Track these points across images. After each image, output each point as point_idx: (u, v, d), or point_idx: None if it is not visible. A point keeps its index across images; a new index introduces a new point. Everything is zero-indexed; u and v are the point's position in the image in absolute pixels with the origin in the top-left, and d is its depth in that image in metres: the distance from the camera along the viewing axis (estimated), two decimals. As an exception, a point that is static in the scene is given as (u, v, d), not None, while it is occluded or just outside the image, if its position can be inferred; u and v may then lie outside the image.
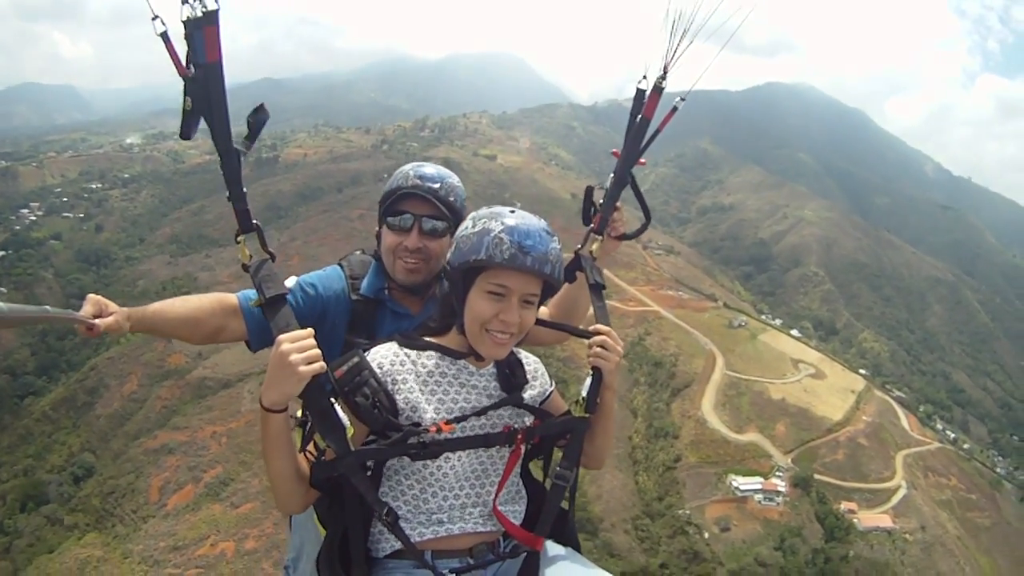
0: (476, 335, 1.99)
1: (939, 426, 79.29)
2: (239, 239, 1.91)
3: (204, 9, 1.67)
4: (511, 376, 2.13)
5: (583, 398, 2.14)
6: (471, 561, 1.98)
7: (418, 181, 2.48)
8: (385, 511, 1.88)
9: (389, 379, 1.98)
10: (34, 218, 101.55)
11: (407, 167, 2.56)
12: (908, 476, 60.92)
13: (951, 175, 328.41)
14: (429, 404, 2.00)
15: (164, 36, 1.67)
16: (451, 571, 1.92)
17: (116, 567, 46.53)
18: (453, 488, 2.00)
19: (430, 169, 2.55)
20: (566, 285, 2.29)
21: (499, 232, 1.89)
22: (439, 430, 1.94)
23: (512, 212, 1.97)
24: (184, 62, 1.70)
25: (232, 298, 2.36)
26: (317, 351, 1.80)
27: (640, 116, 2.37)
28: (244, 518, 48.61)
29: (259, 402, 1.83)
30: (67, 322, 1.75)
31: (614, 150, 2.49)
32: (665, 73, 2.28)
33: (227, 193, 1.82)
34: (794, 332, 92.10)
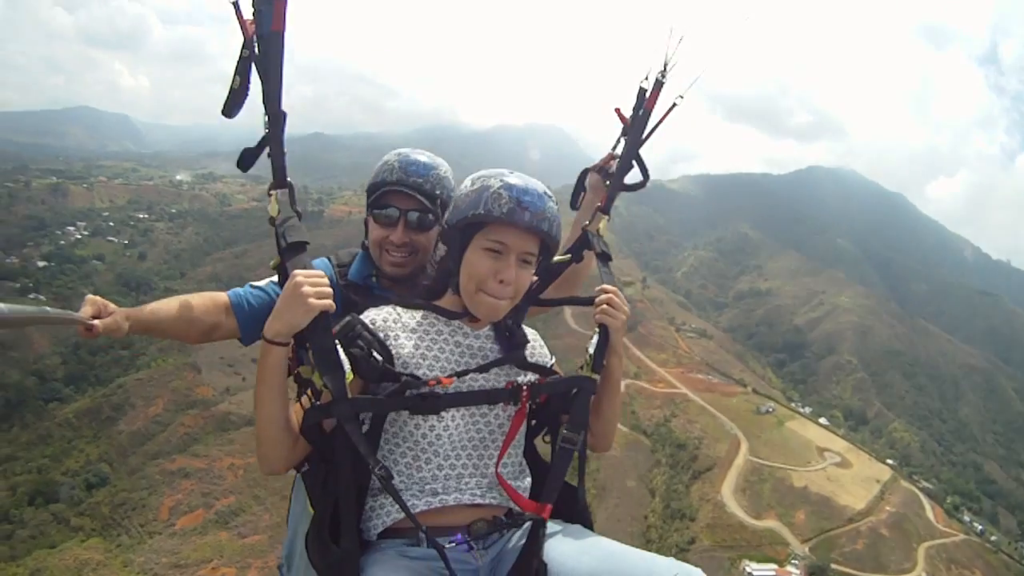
0: (472, 295, 1.95)
1: (966, 518, 78.35)
2: (271, 193, 1.91)
3: None
4: (510, 337, 2.08)
5: (590, 356, 2.09)
6: (469, 537, 1.84)
7: (403, 175, 2.44)
8: (379, 467, 1.74)
9: (382, 334, 1.95)
10: (79, 236, 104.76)
11: (392, 156, 2.51)
12: (929, 568, 60.84)
13: (990, 259, 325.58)
14: (424, 360, 1.95)
15: (235, 4, 1.78)
16: (451, 543, 1.78)
17: (115, 573, 48.33)
18: (448, 456, 1.90)
19: (420, 157, 2.50)
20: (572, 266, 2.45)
21: (498, 188, 1.88)
22: (439, 383, 1.88)
23: (511, 172, 1.94)
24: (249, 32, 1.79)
25: (223, 296, 2.40)
26: (329, 289, 1.81)
27: (641, 110, 2.45)
28: (250, 548, 50.88)
29: (262, 335, 1.83)
30: (67, 322, 1.75)
31: (616, 107, 2.55)
32: (665, 68, 2.37)
33: (268, 150, 1.87)
34: (822, 420, 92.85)
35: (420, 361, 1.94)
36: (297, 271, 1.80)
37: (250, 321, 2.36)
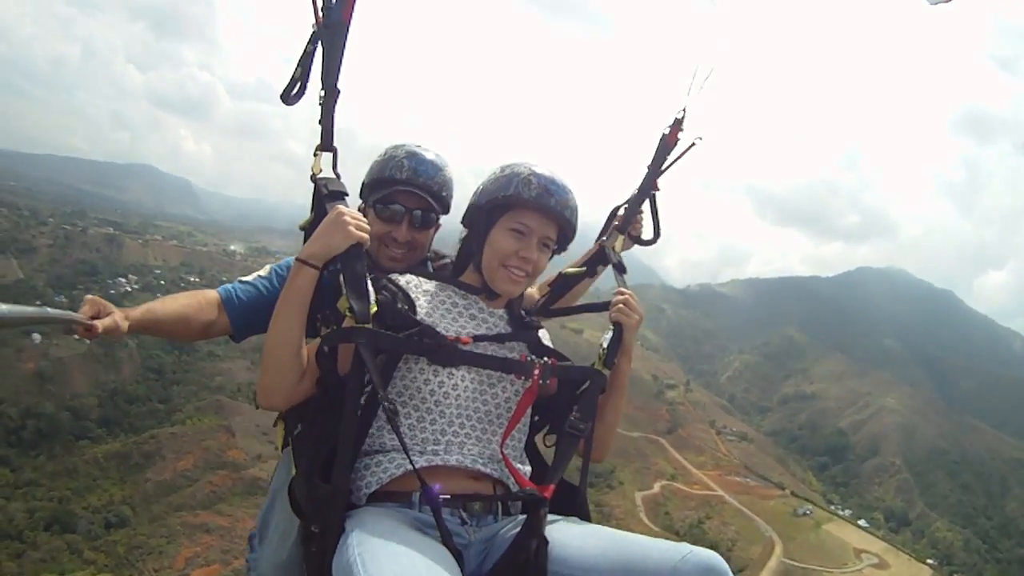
0: (494, 270, 2.07)
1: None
2: (317, 153, 2.05)
3: None
4: (524, 320, 2.17)
5: (603, 350, 2.18)
6: (464, 515, 1.83)
7: (412, 175, 2.45)
8: (388, 401, 1.79)
9: (404, 293, 2.06)
10: (130, 289, 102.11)
11: (400, 152, 2.51)
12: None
13: None
14: (443, 320, 2.04)
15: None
16: (442, 501, 1.74)
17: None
18: (453, 422, 1.91)
19: (429, 156, 2.52)
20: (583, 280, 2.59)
21: (527, 175, 2.04)
22: (458, 340, 1.95)
23: (539, 163, 2.10)
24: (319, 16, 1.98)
25: (213, 293, 2.42)
26: (367, 224, 1.97)
27: (663, 141, 2.59)
28: (263, 608, 53.56)
29: (298, 257, 1.93)
30: (66, 323, 1.78)
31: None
32: (685, 109, 2.55)
33: (322, 91, 2.01)
34: (861, 522, 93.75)
35: (439, 320, 2.03)
36: (339, 205, 1.97)
37: (241, 316, 2.43)
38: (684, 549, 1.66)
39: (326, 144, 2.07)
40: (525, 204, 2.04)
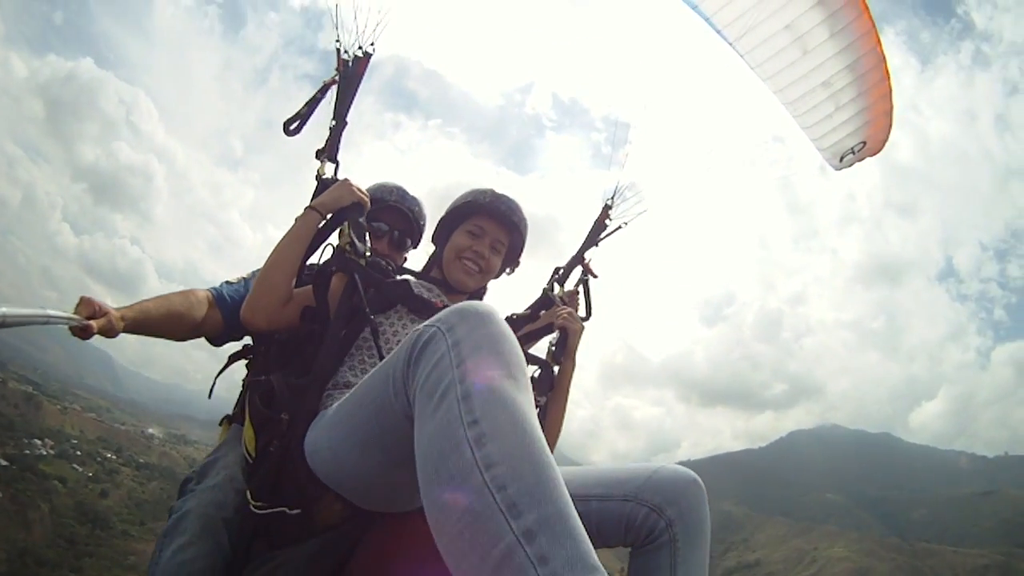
0: (451, 262, 2.53)
1: None
2: (321, 159, 2.58)
3: (363, 52, 2.75)
4: None
5: (552, 347, 2.63)
6: None
7: (400, 198, 2.97)
8: (374, 321, 2.15)
9: (387, 262, 2.55)
10: (45, 453, 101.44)
11: (390, 183, 3.03)
12: None
13: (987, 459, 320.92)
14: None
15: (338, 50, 2.74)
16: None
17: None
18: None
19: (411, 193, 3.05)
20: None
21: (484, 189, 2.61)
22: (433, 304, 2.39)
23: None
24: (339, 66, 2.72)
25: (204, 292, 2.57)
26: (367, 194, 2.51)
27: (594, 222, 3.14)
28: None
29: (308, 206, 2.39)
30: (64, 323, 1.83)
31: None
32: (615, 195, 3.16)
33: (334, 121, 2.63)
34: None
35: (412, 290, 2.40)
36: (346, 177, 2.48)
37: (233, 314, 2.46)
38: (658, 464, 1.91)
39: (331, 156, 2.60)
40: (480, 209, 2.54)
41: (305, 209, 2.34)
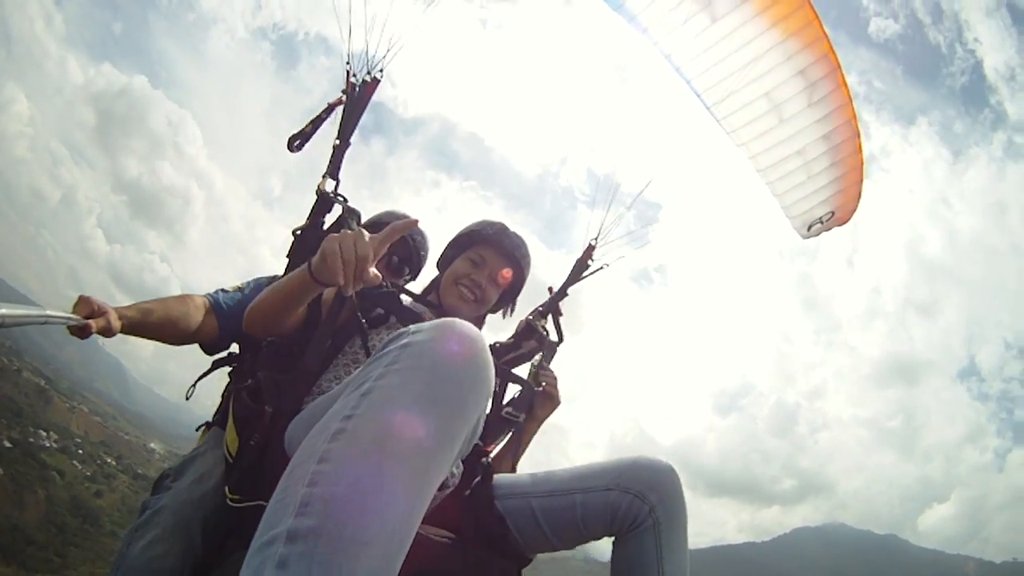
0: (448, 286, 2.53)
1: None
2: (325, 177, 2.61)
3: (372, 77, 2.83)
4: None
5: (533, 368, 2.70)
6: None
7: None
8: (366, 324, 2.19)
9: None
10: (48, 445, 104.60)
11: (399, 212, 3.10)
12: None
13: (994, 564, 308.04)
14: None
15: (347, 72, 2.82)
16: None
17: None
18: None
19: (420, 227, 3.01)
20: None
21: (494, 221, 2.67)
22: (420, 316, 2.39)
23: None
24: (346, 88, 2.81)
25: (201, 297, 2.52)
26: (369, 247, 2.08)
27: (577, 260, 3.17)
28: None
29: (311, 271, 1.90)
30: (63, 323, 1.79)
31: (549, 287, 3.08)
32: (598, 236, 3.17)
33: (338, 140, 2.71)
34: None
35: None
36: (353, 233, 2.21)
37: (229, 322, 2.52)
38: (636, 455, 1.94)
39: (332, 173, 2.63)
40: (484, 239, 2.56)
41: (302, 269, 1.92)
